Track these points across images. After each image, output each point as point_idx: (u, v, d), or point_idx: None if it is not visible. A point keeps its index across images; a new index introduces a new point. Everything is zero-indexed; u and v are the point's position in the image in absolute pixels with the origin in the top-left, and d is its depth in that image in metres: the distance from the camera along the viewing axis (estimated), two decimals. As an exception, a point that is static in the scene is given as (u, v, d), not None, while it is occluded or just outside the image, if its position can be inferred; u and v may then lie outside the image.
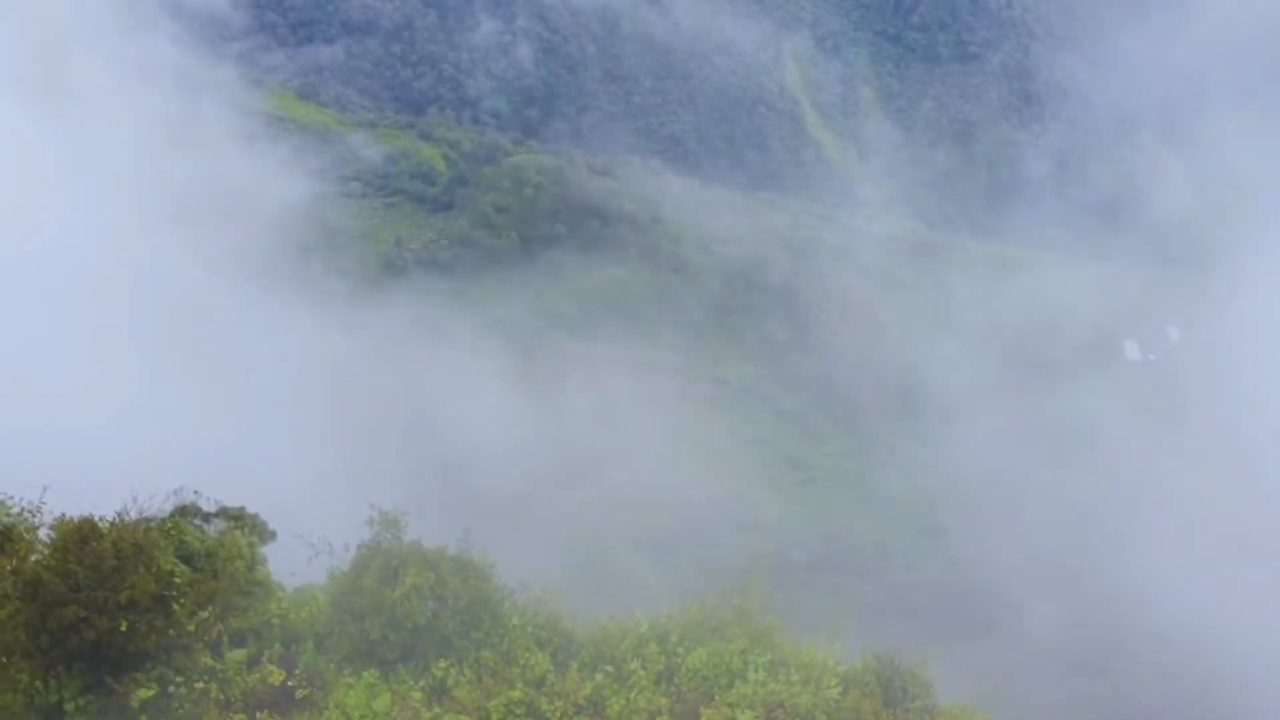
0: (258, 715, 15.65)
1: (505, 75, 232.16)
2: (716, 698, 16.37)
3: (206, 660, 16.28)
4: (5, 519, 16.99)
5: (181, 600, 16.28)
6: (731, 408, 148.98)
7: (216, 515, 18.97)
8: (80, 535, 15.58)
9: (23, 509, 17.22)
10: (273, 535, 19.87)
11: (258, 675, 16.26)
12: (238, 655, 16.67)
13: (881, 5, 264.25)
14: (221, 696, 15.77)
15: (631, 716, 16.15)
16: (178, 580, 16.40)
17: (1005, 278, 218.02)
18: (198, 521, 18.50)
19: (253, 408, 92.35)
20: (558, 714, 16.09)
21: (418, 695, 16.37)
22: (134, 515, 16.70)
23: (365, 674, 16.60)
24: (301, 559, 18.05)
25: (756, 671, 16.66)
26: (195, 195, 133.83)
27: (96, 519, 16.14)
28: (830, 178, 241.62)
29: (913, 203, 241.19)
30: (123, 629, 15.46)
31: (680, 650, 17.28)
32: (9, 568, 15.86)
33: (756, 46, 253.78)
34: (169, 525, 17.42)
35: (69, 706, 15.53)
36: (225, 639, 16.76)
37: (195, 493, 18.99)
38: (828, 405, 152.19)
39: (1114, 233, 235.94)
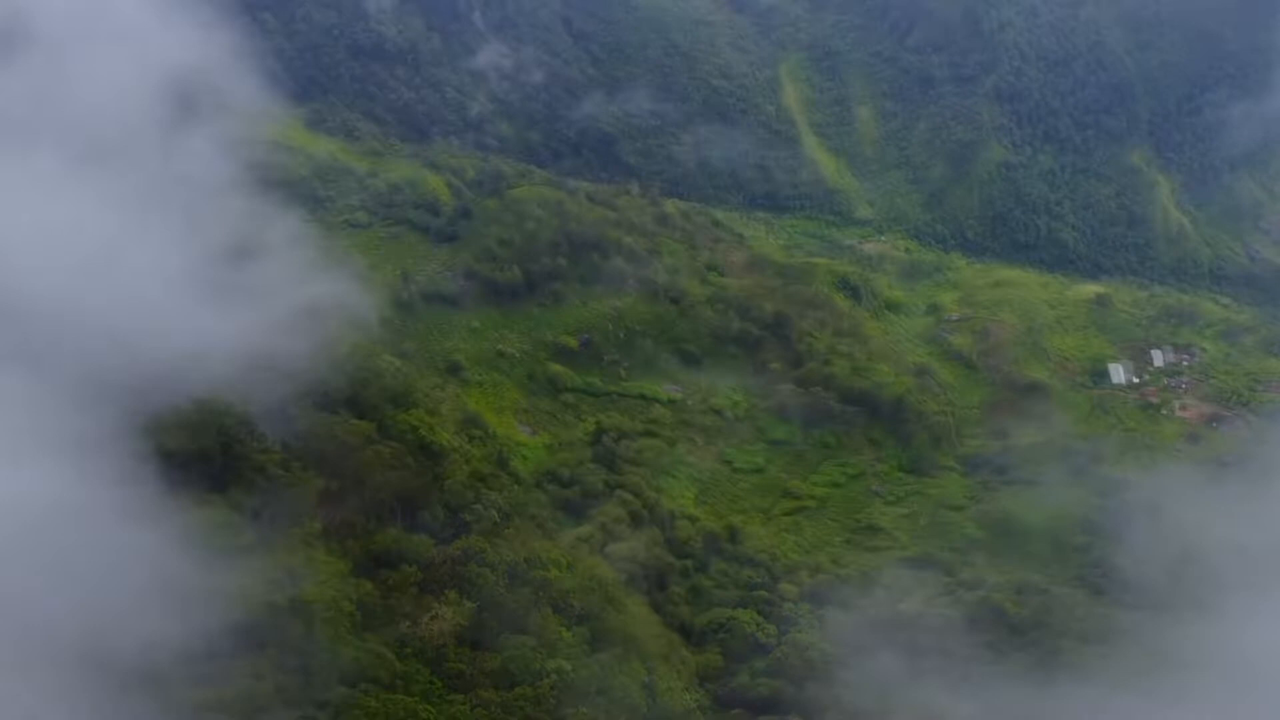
0: None
1: (508, 98, 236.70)
2: None
3: None
4: None
5: None
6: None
7: None
8: None
9: None
10: None
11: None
12: None
13: (878, 27, 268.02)
14: None
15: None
16: None
17: (996, 298, 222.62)
18: None
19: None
20: None
21: None
22: None
23: None
24: None
25: None
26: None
27: None
28: (827, 198, 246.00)
29: (907, 223, 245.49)
30: None
31: None
32: None
33: (754, 68, 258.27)
34: None
35: None
36: None
37: None
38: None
39: (1105, 254, 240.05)
